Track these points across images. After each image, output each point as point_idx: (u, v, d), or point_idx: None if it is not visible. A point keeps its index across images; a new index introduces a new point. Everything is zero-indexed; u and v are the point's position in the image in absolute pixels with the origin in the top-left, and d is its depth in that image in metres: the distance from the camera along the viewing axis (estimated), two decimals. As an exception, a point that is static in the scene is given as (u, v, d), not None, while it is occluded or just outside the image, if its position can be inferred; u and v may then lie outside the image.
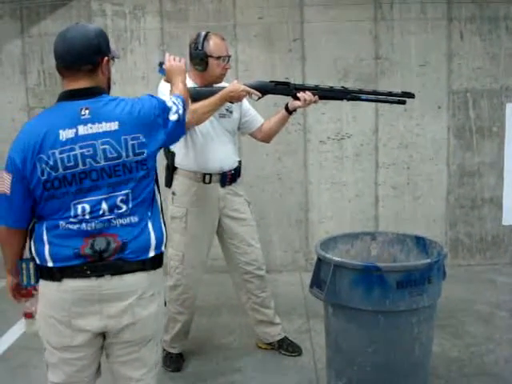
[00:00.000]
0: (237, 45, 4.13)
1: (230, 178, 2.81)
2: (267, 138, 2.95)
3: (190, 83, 2.69)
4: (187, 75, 2.74)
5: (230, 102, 2.65)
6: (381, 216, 4.32)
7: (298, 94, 2.67)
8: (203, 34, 2.67)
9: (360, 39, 4.12)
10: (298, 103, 2.69)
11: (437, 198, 4.30)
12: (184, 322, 2.89)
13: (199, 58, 2.64)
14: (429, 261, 2.31)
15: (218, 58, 2.66)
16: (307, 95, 2.65)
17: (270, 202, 4.28)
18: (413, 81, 4.14)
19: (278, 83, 2.70)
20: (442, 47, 4.12)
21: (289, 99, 2.76)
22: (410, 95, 2.65)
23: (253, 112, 2.93)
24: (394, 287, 2.24)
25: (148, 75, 4.17)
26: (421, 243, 2.65)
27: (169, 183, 2.78)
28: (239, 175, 2.89)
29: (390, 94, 2.67)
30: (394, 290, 2.25)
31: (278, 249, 4.36)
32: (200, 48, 2.63)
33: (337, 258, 2.34)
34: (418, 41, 4.11)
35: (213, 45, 2.65)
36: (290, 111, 2.78)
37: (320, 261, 2.44)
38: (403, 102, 2.66)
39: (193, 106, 2.51)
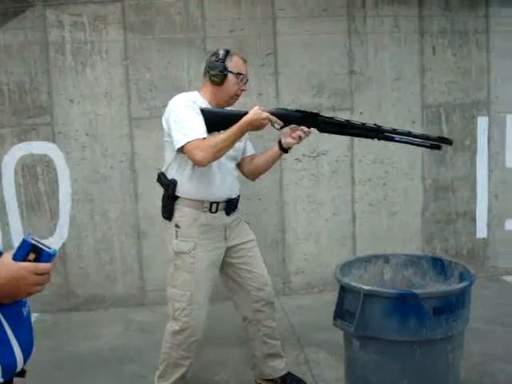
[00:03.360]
0: (207, 59, 3.91)
1: (235, 205, 2.58)
2: (253, 174, 2.72)
3: (200, 98, 2.47)
4: (198, 91, 2.51)
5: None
6: (358, 234, 4.21)
7: (291, 131, 2.48)
8: (224, 50, 2.49)
9: (334, 53, 4.01)
10: (291, 141, 2.50)
11: (413, 214, 4.24)
12: (188, 367, 2.60)
13: (218, 70, 2.44)
14: (464, 284, 2.18)
15: (238, 74, 2.47)
16: (301, 132, 2.47)
17: (245, 224, 4.05)
18: (388, 96, 4.08)
19: (305, 114, 2.47)
20: (415, 61, 4.08)
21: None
22: (448, 141, 2.47)
23: (248, 140, 2.73)
24: (430, 314, 2.10)
25: (111, 92, 3.86)
26: (438, 264, 2.53)
27: (169, 215, 2.48)
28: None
29: (426, 137, 2.48)
30: (430, 318, 2.10)
31: (254, 273, 4.13)
32: (221, 60, 2.44)
33: (367, 287, 2.16)
34: (392, 55, 4.06)
35: (235, 61, 2.48)
36: (284, 149, 2.57)
37: (344, 290, 2.25)
38: (439, 148, 2.47)
39: (211, 141, 2.30)
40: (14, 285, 1.15)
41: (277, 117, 2.41)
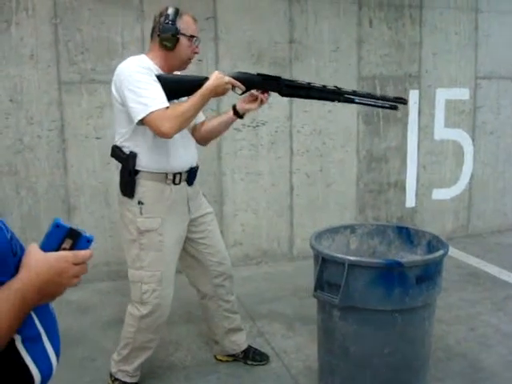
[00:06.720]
0: (143, 22, 3.66)
1: (195, 174, 2.45)
2: (204, 140, 2.58)
3: (150, 64, 2.26)
4: (146, 55, 2.31)
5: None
6: (295, 205, 4.21)
7: (254, 93, 2.35)
8: (173, 8, 2.27)
9: (274, 21, 3.92)
10: (251, 106, 2.38)
11: (347, 184, 4.31)
12: (153, 349, 2.48)
13: (170, 33, 2.23)
14: (443, 252, 2.22)
15: (191, 37, 2.29)
16: (264, 96, 2.36)
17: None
18: (326, 66, 4.08)
19: (266, 77, 2.35)
20: (352, 33, 4.10)
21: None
22: (403, 101, 2.44)
23: None
24: (414, 283, 2.12)
25: (38, 53, 3.52)
26: (404, 233, 2.57)
27: (131, 191, 2.28)
28: None
29: (383, 98, 2.44)
30: (413, 286, 2.12)
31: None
32: (172, 22, 2.23)
33: (352, 258, 2.14)
34: (331, 25, 4.04)
35: (186, 21, 2.28)
36: (239, 114, 2.44)
37: (324, 261, 2.22)
38: (395, 108, 2.43)
39: (176, 111, 2.13)
40: (57, 281, 0.96)
41: (239, 81, 2.29)
